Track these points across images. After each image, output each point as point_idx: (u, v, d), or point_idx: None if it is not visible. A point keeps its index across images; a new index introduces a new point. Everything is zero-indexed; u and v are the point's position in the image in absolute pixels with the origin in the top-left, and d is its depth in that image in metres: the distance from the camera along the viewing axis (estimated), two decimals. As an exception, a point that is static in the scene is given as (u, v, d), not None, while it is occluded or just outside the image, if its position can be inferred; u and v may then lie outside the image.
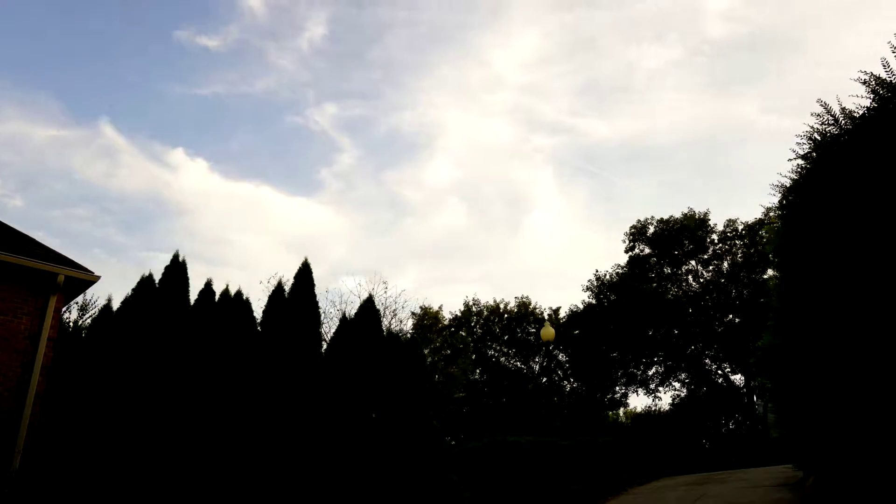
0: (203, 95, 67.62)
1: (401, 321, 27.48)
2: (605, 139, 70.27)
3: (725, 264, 35.88)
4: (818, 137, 6.62)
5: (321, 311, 15.11)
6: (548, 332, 21.97)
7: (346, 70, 66.41)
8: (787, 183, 7.46)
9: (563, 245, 64.49)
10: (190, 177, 66.00)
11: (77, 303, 17.71)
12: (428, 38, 69.23)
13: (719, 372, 36.10)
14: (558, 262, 64.25)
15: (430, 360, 28.03)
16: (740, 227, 35.54)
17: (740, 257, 35.08)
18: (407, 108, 68.71)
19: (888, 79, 5.77)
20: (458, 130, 68.36)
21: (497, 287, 67.60)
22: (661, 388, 37.18)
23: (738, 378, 35.16)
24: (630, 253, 38.16)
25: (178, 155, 66.97)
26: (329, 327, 22.40)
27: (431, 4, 66.92)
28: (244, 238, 62.54)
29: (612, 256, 66.56)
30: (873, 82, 5.87)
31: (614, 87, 69.61)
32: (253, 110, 70.53)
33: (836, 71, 67.29)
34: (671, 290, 36.83)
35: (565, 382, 39.65)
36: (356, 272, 78.21)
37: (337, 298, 44.49)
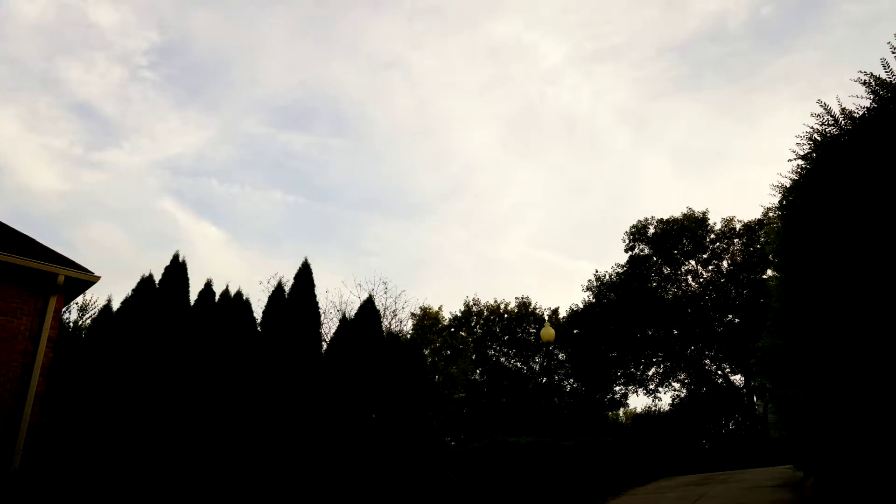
0: None
1: (401, 321, 27.47)
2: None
3: (725, 264, 35.92)
4: (818, 138, 6.63)
5: (321, 311, 15.12)
6: (548, 332, 21.98)
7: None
8: (787, 183, 7.47)
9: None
10: None
11: (77, 303, 17.71)
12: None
13: (719, 372, 36.11)
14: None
15: (430, 360, 28.02)
16: (738, 226, 35.59)
17: (739, 257, 35.11)
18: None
19: (888, 79, 5.78)
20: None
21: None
22: (660, 389, 37.22)
23: (738, 378, 35.18)
24: (630, 253, 38.22)
25: None
26: (329, 327, 22.40)
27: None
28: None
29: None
30: (873, 83, 5.88)
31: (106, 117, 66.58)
32: None
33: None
34: (671, 290, 36.86)
35: (565, 382, 39.67)
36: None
37: (337, 299, 44.48)
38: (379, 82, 68.01)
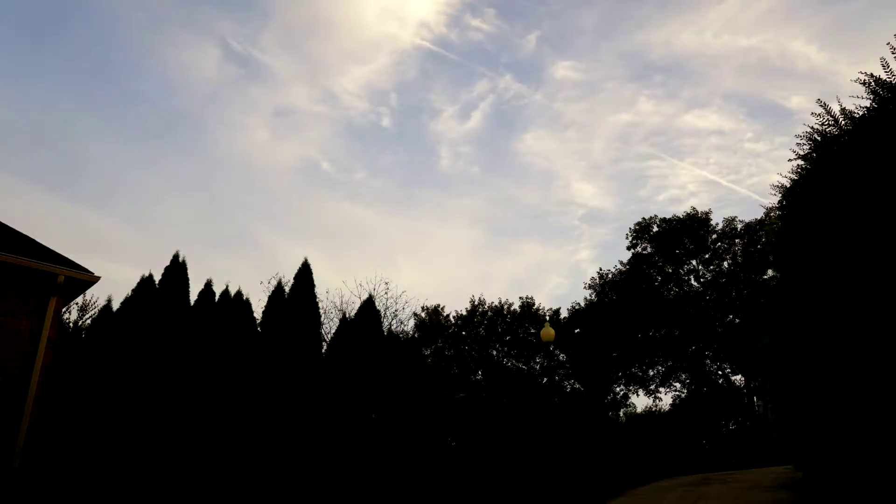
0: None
1: (402, 322, 27.41)
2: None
3: (726, 264, 35.90)
4: (818, 138, 6.61)
5: (321, 311, 15.13)
6: (547, 332, 21.93)
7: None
8: (787, 183, 7.46)
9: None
10: None
11: (77, 303, 17.68)
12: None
13: (719, 372, 36.09)
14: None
15: (431, 360, 27.98)
16: (739, 227, 35.59)
17: (740, 257, 35.09)
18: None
19: (888, 79, 5.76)
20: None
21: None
22: (661, 389, 37.18)
23: (738, 378, 35.17)
24: (633, 251, 38.20)
25: None
26: (329, 327, 22.36)
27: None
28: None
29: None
30: (873, 83, 5.86)
31: None
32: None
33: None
34: (672, 289, 36.83)
35: (566, 383, 39.65)
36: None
37: (338, 299, 44.46)
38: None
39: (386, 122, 68.75)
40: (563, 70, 65.22)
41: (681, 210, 62.67)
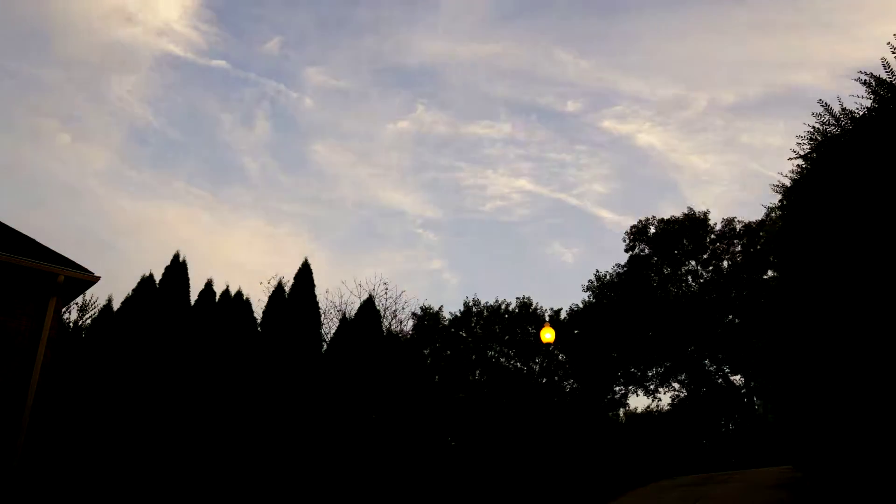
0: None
1: (401, 322, 27.38)
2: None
3: (725, 264, 35.91)
4: (818, 138, 6.62)
5: (321, 311, 15.12)
6: (547, 333, 21.90)
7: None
8: (788, 183, 7.46)
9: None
10: None
11: (77, 303, 17.66)
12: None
13: (719, 372, 36.08)
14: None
15: (430, 360, 27.93)
16: (738, 227, 35.61)
17: (739, 258, 35.11)
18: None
19: (888, 79, 5.76)
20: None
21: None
22: (660, 389, 37.16)
23: (738, 378, 35.17)
24: (630, 253, 38.18)
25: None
26: (329, 327, 22.34)
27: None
28: None
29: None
30: (873, 83, 5.86)
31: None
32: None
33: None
34: (671, 290, 36.82)
35: (565, 383, 39.62)
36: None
37: (337, 299, 44.42)
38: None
39: (172, 131, 64.10)
40: (317, 76, 60.99)
41: (513, 219, 61.43)
